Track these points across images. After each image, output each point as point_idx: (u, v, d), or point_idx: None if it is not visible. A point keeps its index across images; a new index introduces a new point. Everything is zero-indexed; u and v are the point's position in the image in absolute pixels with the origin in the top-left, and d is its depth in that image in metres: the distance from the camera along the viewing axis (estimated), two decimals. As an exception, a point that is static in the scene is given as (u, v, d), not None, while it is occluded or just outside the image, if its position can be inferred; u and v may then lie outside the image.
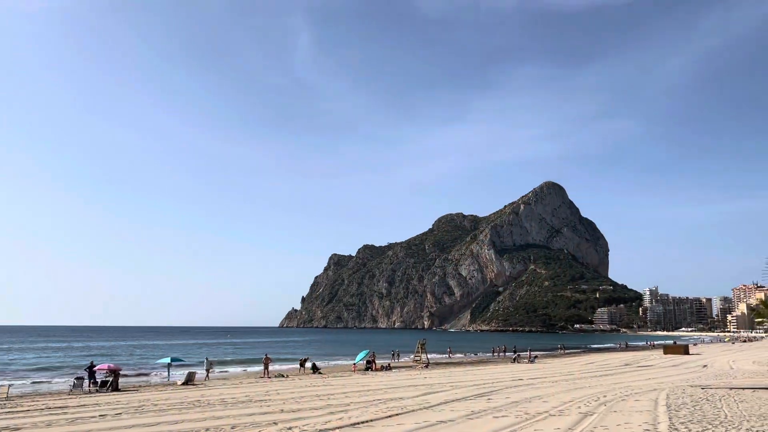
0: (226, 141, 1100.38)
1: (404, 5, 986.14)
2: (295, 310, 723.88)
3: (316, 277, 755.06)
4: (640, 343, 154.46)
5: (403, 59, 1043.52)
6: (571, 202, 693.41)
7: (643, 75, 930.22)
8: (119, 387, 36.60)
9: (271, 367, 50.97)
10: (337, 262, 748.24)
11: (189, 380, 40.19)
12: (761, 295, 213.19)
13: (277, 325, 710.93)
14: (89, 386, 35.90)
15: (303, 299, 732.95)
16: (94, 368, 37.99)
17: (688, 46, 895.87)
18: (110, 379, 36.40)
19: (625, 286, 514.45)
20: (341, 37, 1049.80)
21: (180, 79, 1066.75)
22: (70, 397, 31.56)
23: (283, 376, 47.93)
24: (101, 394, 33.23)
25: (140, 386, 40.45)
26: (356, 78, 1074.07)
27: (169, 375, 48.21)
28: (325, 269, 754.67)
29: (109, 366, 38.85)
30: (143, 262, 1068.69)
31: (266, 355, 53.37)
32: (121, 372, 40.15)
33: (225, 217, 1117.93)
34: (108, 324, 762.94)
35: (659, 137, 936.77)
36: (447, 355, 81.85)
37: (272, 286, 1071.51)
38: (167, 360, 49.42)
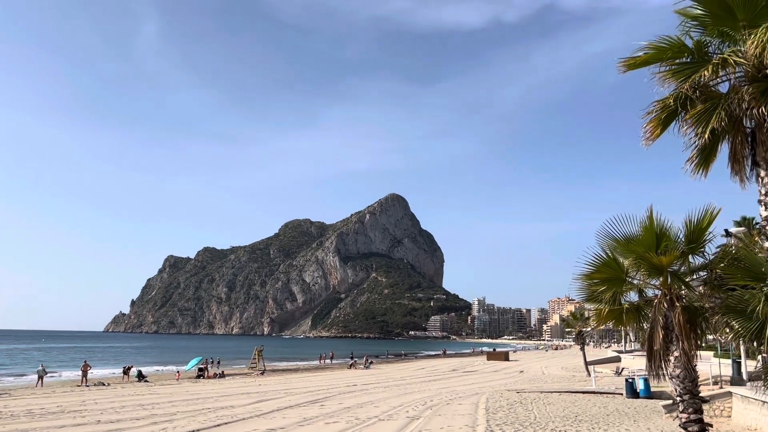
0: (46, 127, 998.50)
1: (260, 5, 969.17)
2: (123, 314, 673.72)
3: (149, 280, 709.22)
4: (467, 350, 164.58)
5: (255, 60, 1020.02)
6: (412, 215, 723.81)
7: (482, 99, 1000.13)
8: None
9: (90, 375, 47.03)
10: (173, 264, 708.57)
11: (-11, 390, 35.77)
12: (571, 308, 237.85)
13: (102, 329, 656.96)
14: None
15: (133, 302, 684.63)
16: None
17: (521, 77, 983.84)
18: None
19: (457, 296, 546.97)
20: (191, 29, 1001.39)
21: None
22: None
23: (103, 384, 44.29)
24: None
25: (-74, 398, 35.14)
26: (204, 73, 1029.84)
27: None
28: (160, 271, 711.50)
29: None
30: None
31: (85, 361, 49.15)
32: None
33: (41, 210, 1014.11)
34: None
35: (493, 158, 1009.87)
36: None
37: (97, 288, 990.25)
38: (-37, 367, 43.59)
